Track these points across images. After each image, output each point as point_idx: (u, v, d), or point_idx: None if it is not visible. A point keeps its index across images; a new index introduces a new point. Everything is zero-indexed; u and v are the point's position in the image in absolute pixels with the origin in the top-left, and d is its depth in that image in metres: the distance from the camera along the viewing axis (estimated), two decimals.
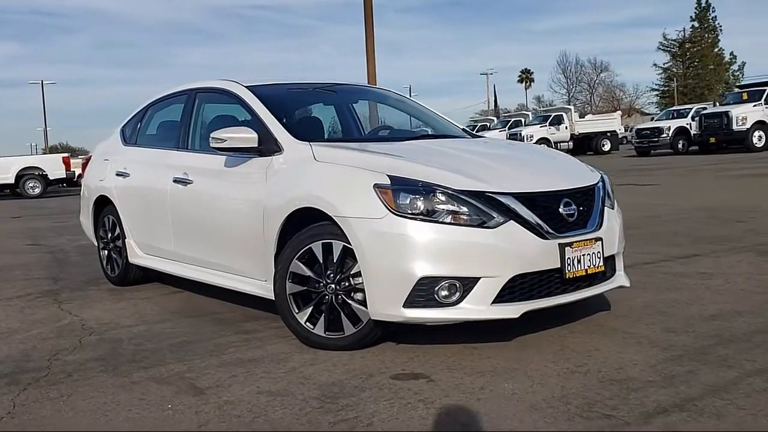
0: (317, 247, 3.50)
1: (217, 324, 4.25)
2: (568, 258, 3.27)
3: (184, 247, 4.63)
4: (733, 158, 21.50)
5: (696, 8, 69.02)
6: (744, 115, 26.27)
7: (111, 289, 5.53)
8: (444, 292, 3.14)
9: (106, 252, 5.75)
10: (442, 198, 3.18)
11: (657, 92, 74.08)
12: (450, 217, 3.16)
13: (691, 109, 31.92)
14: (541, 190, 3.36)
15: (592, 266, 3.39)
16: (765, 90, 27.21)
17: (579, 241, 3.33)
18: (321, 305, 3.52)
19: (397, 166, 3.36)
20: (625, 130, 40.68)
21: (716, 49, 69.94)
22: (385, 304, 3.20)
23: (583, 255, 3.34)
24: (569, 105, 49.83)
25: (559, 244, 3.26)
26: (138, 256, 5.27)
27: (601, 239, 3.45)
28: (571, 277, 3.30)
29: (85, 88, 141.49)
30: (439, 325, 3.42)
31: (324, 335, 3.51)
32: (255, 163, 3.97)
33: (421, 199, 3.18)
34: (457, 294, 3.15)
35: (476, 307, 3.14)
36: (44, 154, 48.68)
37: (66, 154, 25.46)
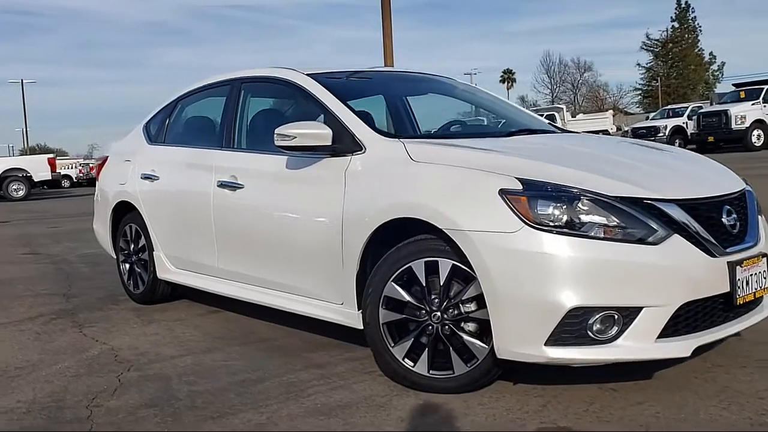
0: (419, 267, 2.88)
1: (277, 354, 3.61)
2: (739, 279, 2.68)
3: (231, 263, 3.98)
4: (732, 157, 21.13)
5: (676, 9, 69.45)
6: (743, 113, 26.08)
7: (135, 309, 4.86)
8: (598, 326, 2.53)
9: (127, 265, 5.07)
10: (591, 207, 2.57)
11: (640, 92, 74.35)
12: (602, 230, 2.54)
13: (687, 107, 31.73)
14: (702, 196, 2.76)
15: (759, 288, 2.81)
16: (763, 88, 27.06)
17: (748, 258, 2.74)
18: (423, 337, 2.90)
19: (528, 167, 2.74)
20: (617, 130, 40.44)
21: (696, 50, 70.34)
22: (520, 340, 2.58)
23: (751, 275, 2.75)
24: (554, 104, 49.57)
25: (728, 262, 2.66)
26: (169, 271, 4.60)
27: (766, 255, 2.86)
28: (741, 302, 2.70)
29: (62, 89, 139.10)
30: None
31: (427, 375, 2.89)
32: (328, 165, 3.34)
33: (565, 207, 2.57)
34: (615, 328, 2.54)
35: (638, 345, 2.53)
36: (23, 155, 47.41)
37: (51, 155, 24.52)
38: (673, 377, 2.95)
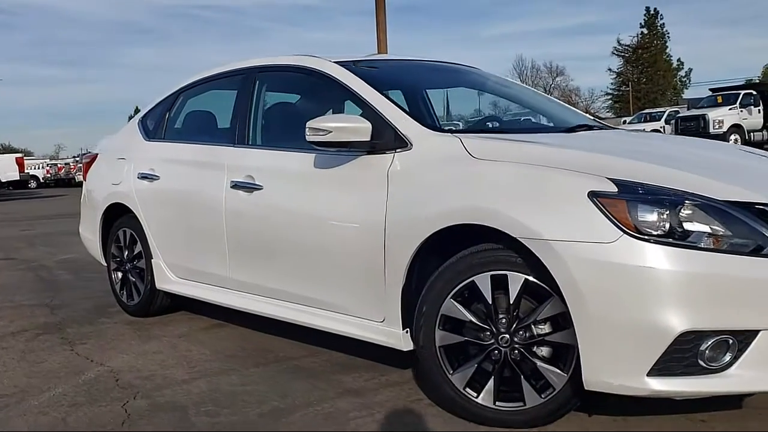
0: (483, 282, 2.50)
1: (302, 376, 3.20)
2: None
3: (246, 273, 3.55)
4: None
5: (645, 15, 70.23)
6: (720, 118, 26.42)
7: (130, 322, 4.39)
8: (710, 354, 2.17)
9: (120, 274, 4.61)
10: (698, 213, 2.22)
11: (611, 97, 74.99)
12: (711, 240, 2.18)
13: (665, 112, 31.96)
14: None
15: None
16: (740, 93, 27.43)
17: None
18: (488, 363, 2.52)
19: (618, 166, 2.37)
20: None
21: (665, 56, 71.21)
22: (617, 370, 2.21)
23: None
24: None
25: None
26: (170, 281, 4.15)
27: None
28: None
29: (27, 88, 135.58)
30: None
31: (493, 407, 2.51)
32: (366, 164, 2.94)
33: (668, 214, 2.21)
34: (728, 355, 2.18)
35: (754, 374, 2.18)
36: None
37: (19, 155, 23.66)
38: (760, 404, 2.61)
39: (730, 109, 26.71)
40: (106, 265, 4.80)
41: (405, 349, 2.82)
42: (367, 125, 2.90)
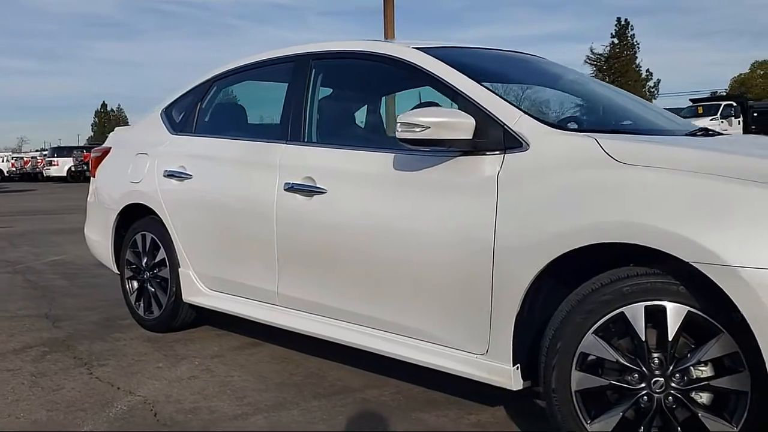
0: (636, 314, 2.08)
1: (375, 413, 2.74)
2: None
3: (301, 289, 3.08)
4: None
5: (616, 25, 71.06)
6: None
7: (149, 339, 3.88)
8: None
9: (136, 284, 4.09)
10: None
11: None
12: None
13: None
14: None
15: None
16: (720, 104, 27.69)
17: None
18: (633, 411, 2.09)
19: None
20: None
21: (634, 65, 72.11)
22: None
23: None
24: None
25: None
26: (200, 293, 3.65)
27: None
28: None
29: None
30: None
31: None
32: (465, 166, 2.50)
33: None
34: None
35: None
36: None
37: None
38: None
39: (711, 119, 26.76)
40: (118, 272, 4.27)
41: (515, 389, 2.39)
42: (471, 121, 2.46)
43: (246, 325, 3.60)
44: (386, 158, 2.76)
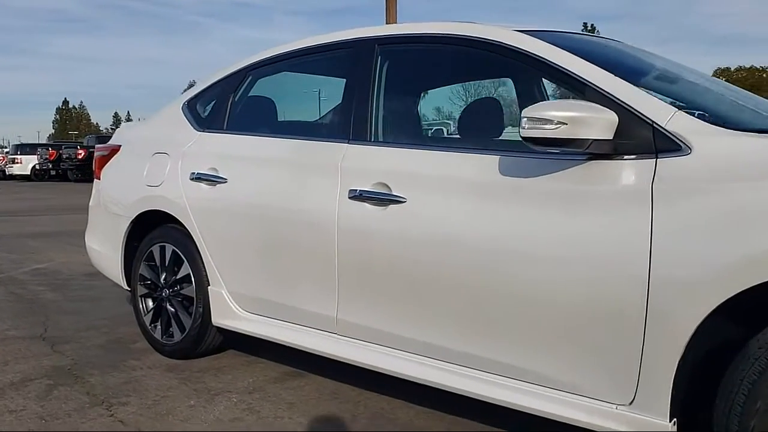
0: None
1: None
2: None
3: (371, 316, 2.60)
4: None
5: (583, 30, 72.05)
6: None
7: (170, 367, 3.35)
8: None
9: (151, 302, 3.56)
10: None
11: None
12: None
13: None
14: None
15: None
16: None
17: None
18: None
19: None
20: None
21: None
22: None
23: None
24: None
25: None
26: (235, 316, 3.15)
27: None
28: None
29: None
30: None
31: None
32: (602, 172, 2.06)
33: None
34: None
35: None
36: None
37: None
38: None
39: None
40: (127, 289, 3.73)
41: None
42: (613, 117, 2.02)
43: (277, 349, 3.11)
44: (488, 162, 2.30)
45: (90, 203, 4.02)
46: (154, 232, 3.51)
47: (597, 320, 2.02)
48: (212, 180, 3.18)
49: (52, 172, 28.59)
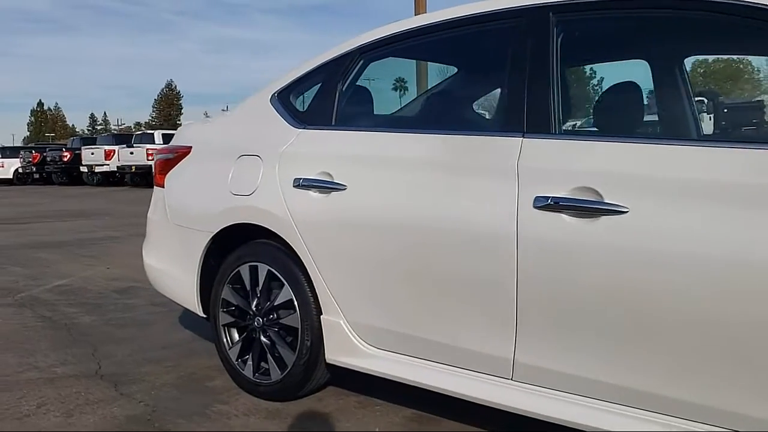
0: None
1: None
2: None
3: (573, 360, 2.05)
4: None
5: None
6: None
7: (271, 412, 2.79)
8: None
9: (236, 333, 2.98)
10: None
11: None
12: None
13: None
14: None
15: None
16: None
17: None
18: None
19: None
20: None
21: None
22: None
23: None
24: None
25: None
26: (358, 352, 2.58)
27: None
28: None
29: None
30: None
31: None
32: None
33: None
34: None
35: None
36: None
37: None
38: None
39: None
40: (203, 316, 3.14)
41: None
42: None
43: (387, 386, 2.56)
44: (755, 158, 1.76)
45: (149, 214, 3.43)
46: (241, 249, 2.93)
47: None
48: (325, 187, 2.60)
49: (36, 176, 27.70)
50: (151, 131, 25.37)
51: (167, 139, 23.07)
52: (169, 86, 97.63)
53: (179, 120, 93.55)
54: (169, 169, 3.28)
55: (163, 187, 3.30)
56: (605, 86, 2.56)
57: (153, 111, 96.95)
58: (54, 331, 4.10)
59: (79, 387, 3.10)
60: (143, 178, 22.44)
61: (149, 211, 3.43)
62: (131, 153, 22.66)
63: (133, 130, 71.91)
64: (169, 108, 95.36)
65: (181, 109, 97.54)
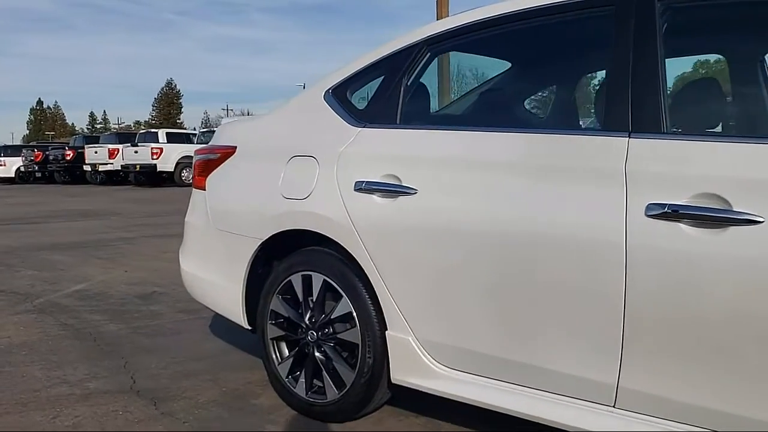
0: None
1: None
2: None
3: (691, 388, 1.82)
4: None
5: None
6: None
7: None
8: None
9: (286, 348, 2.76)
10: None
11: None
12: None
13: None
14: None
15: None
16: None
17: None
18: None
19: None
20: None
21: None
22: None
23: None
24: None
25: None
26: (428, 372, 2.36)
27: None
28: None
29: None
30: None
31: None
32: None
33: None
34: None
35: None
36: None
37: None
38: None
39: None
40: (249, 328, 2.92)
41: None
42: None
43: (445, 404, 2.33)
44: None
45: (187, 218, 3.21)
46: (293, 257, 2.71)
47: None
48: (392, 191, 2.38)
49: (38, 174, 27.48)
50: (155, 130, 25.12)
51: (171, 138, 22.84)
52: (169, 85, 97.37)
53: (179, 119, 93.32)
54: (211, 171, 3.05)
55: (204, 189, 3.08)
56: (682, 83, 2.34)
57: (153, 110, 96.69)
58: (79, 340, 3.87)
59: (116, 405, 2.88)
60: (147, 177, 22.22)
61: (187, 215, 3.21)
62: (135, 152, 22.42)
63: (133, 128, 71.69)
64: (169, 107, 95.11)
65: (181, 108, 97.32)
